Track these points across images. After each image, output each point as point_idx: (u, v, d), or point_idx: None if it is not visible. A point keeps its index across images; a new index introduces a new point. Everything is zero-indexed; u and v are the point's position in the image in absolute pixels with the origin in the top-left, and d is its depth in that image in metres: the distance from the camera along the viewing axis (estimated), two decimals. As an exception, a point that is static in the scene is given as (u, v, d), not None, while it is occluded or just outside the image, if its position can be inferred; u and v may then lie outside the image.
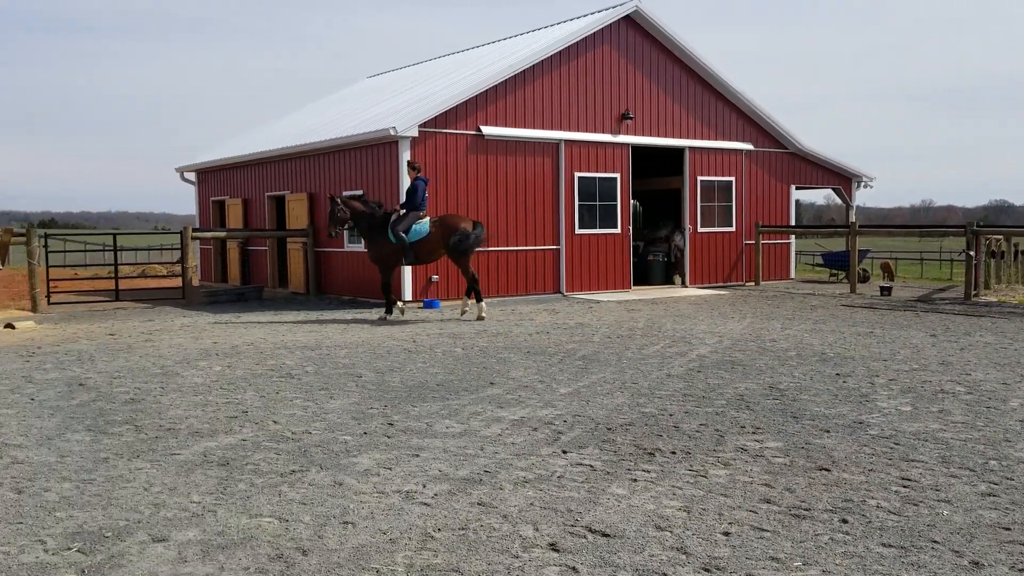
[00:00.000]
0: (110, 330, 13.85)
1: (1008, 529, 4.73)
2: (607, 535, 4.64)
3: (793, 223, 23.69)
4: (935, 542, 4.55)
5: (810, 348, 11.30)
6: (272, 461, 6.03)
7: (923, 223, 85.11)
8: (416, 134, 17.00)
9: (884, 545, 4.50)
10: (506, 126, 18.24)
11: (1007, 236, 20.44)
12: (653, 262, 21.41)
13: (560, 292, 19.02)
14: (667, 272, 21.48)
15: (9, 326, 14.35)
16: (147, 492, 5.35)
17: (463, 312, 15.39)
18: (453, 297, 17.63)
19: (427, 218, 15.10)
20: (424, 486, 5.46)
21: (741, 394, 8.32)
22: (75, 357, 10.90)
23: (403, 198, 15.16)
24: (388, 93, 22.60)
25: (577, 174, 19.15)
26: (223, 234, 20.75)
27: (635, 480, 5.60)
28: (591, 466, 5.92)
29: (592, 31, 19.24)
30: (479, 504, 5.13)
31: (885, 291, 19.57)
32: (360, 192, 15.47)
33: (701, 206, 21.34)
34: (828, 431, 6.87)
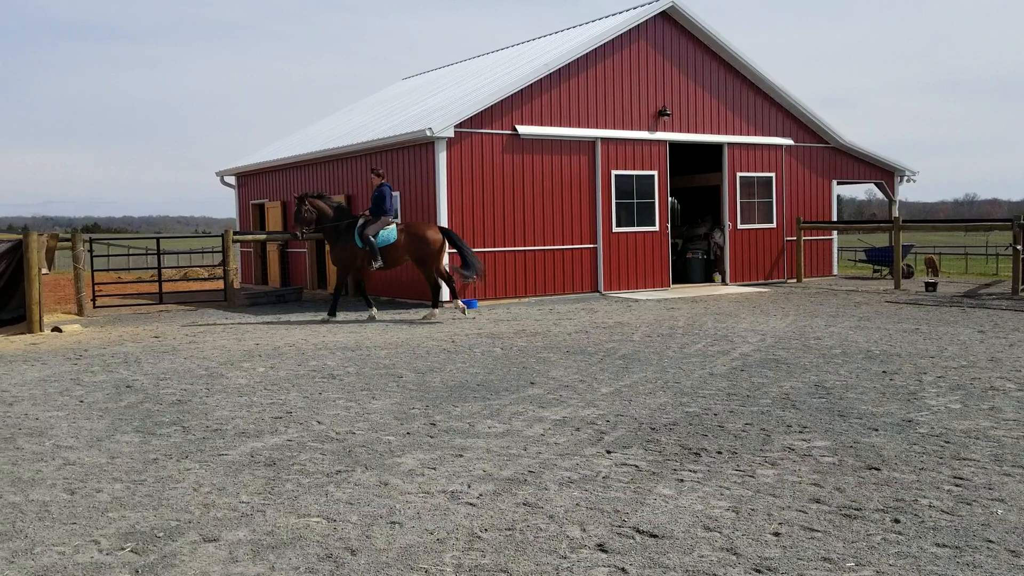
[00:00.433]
0: (155, 333, 14.07)
1: (1068, 530, 4.61)
2: (655, 536, 4.61)
3: (835, 219, 23.37)
4: (990, 541, 4.45)
5: (855, 345, 11.13)
6: (318, 461, 6.07)
7: (967, 217, 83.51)
8: (452, 134, 17.04)
9: (938, 545, 4.42)
10: (542, 125, 18.22)
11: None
12: (692, 260, 21.24)
13: (598, 291, 18.96)
14: (707, 270, 21.29)
15: (56, 329, 14.62)
16: (196, 492, 5.41)
17: (461, 312, 15.51)
18: (491, 296, 17.65)
19: (393, 224, 15.29)
20: (469, 486, 5.46)
21: (786, 393, 8.22)
22: (122, 359, 11.07)
23: (376, 204, 15.14)
24: (423, 94, 22.69)
25: (614, 172, 19.07)
26: (263, 237, 20.96)
27: (681, 480, 5.56)
28: (636, 466, 5.88)
29: (628, 28, 19.14)
30: (525, 504, 5.12)
31: (930, 287, 19.23)
32: (341, 197, 15.65)
33: (741, 202, 21.14)
34: (877, 429, 6.76)
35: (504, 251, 17.83)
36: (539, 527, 4.74)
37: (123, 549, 4.50)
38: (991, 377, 8.83)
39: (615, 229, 19.09)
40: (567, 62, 18.39)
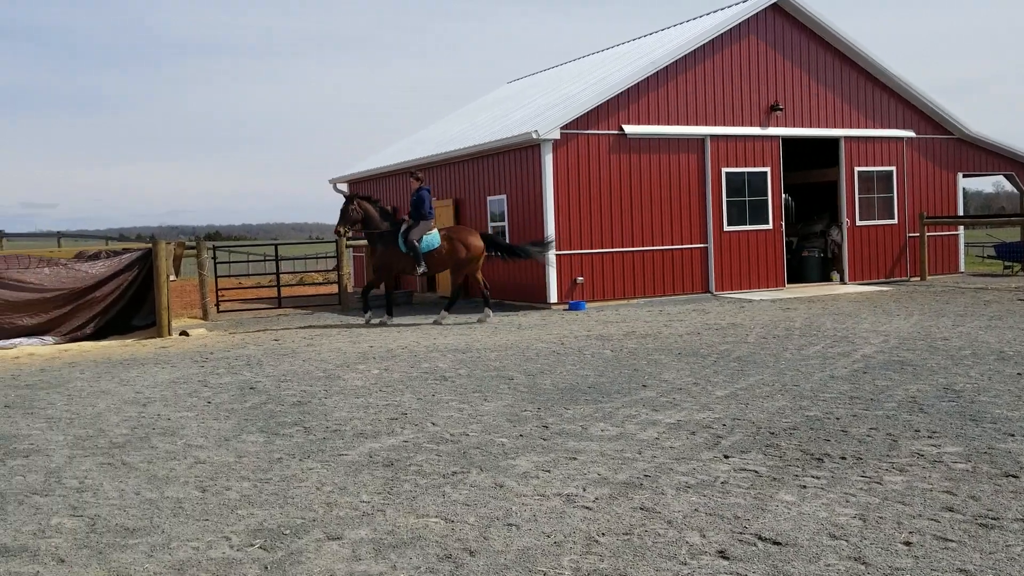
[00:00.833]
0: (275, 336, 14.59)
1: None
2: (778, 543, 4.47)
3: (960, 213, 22.23)
4: None
5: (986, 346, 10.55)
6: (434, 462, 6.16)
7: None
8: (558, 136, 17.04)
9: (1091, 561, 4.12)
10: (649, 124, 18.02)
11: None
12: (808, 258, 20.59)
13: (709, 292, 18.60)
14: (824, 268, 20.60)
15: (184, 333, 15.35)
16: (319, 491, 5.57)
17: (484, 319, 15.58)
18: (599, 298, 17.56)
19: (436, 229, 15.42)
20: (584, 489, 5.43)
21: (913, 396, 7.86)
22: (244, 362, 11.52)
23: (415, 207, 15.29)
24: (529, 97, 22.78)
25: (724, 170, 18.68)
26: (375, 241, 21.43)
27: (804, 487, 5.38)
28: (756, 471, 5.72)
29: (737, 22, 18.72)
30: (642, 509, 5.05)
31: (1068, 283, 18.06)
32: (377, 199, 15.83)
33: (859, 198, 20.36)
34: (1013, 435, 6.38)
35: (612, 252, 17.71)
36: (657, 532, 4.67)
37: (252, 545, 4.67)
38: None
39: (726, 228, 18.69)
40: (674, 59, 18.13)
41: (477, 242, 15.55)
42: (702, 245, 18.55)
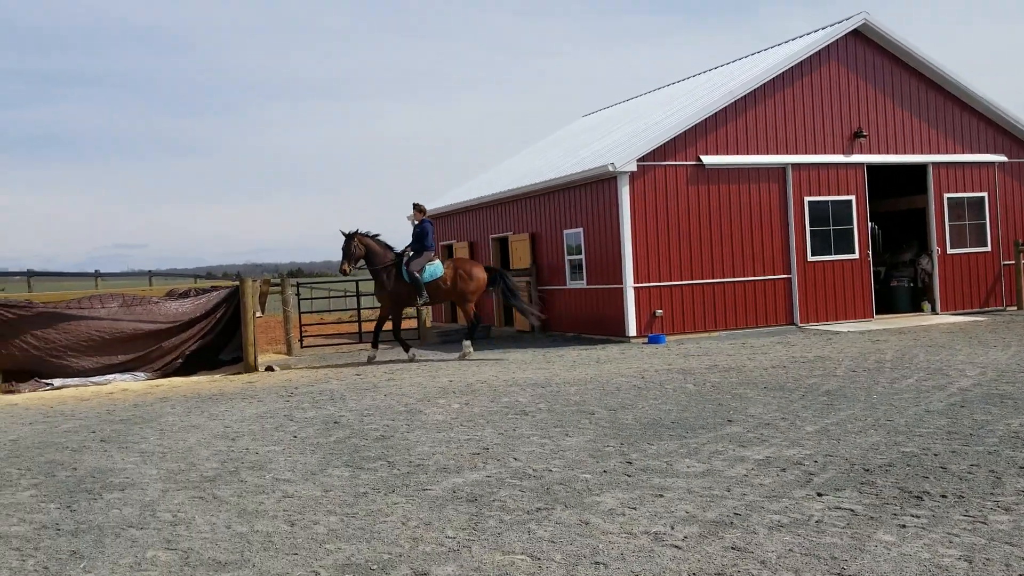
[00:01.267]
0: (356, 370, 14.78)
1: None
2: (880, 587, 4.28)
3: (1058, 239, 21.23)
4: None
5: (1095, 378, 10.01)
6: (517, 498, 6.11)
7: None
8: (635, 168, 16.99)
9: None
10: (728, 154, 17.82)
11: None
12: (897, 288, 19.95)
13: (794, 323, 18.16)
14: (914, 298, 19.93)
15: (269, 368, 15.69)
16: (405, 526, 5.57)
17: (464, 356, 15.72)
18: (679, 331, 17.32)
19: (438, 260, 15.66)
20: (672, 527, 5.31)
21: (1015, 431, 7.48)
22: (328, 396, 11.70)
23: (417, 239, 15.74)
24: (603, 130, 22.80)
25: (807, 198, 18.31)
26: (453, 276, 21.63)
27: (903, 526, 5.15)
28: (851, 510, 5.51)
29: (816, 49, 18.44)
30: (733, 548, 4.90)
31: None
32: (377, 234, 15.93)
33: (950, 225, 19.70)
34: None
35: (692, 284, 17.48)
36: (751, 573, 4.52)
37: (340, 580, 4.69)
38: None
39: (810, 258, 18.27)
40: (752, 88, 17.94)
41: (481, 273, 15.98)
42: (785, 276, 18.16)
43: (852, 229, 18.66)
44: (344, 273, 15.94)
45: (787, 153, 18.22)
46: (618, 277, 17.23)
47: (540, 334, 19.71)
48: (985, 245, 20.09)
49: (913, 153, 19.34)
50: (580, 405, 9.92)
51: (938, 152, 19.55)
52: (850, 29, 18.66)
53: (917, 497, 5.72)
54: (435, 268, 15.66)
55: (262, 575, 4.84)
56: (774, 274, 18.09)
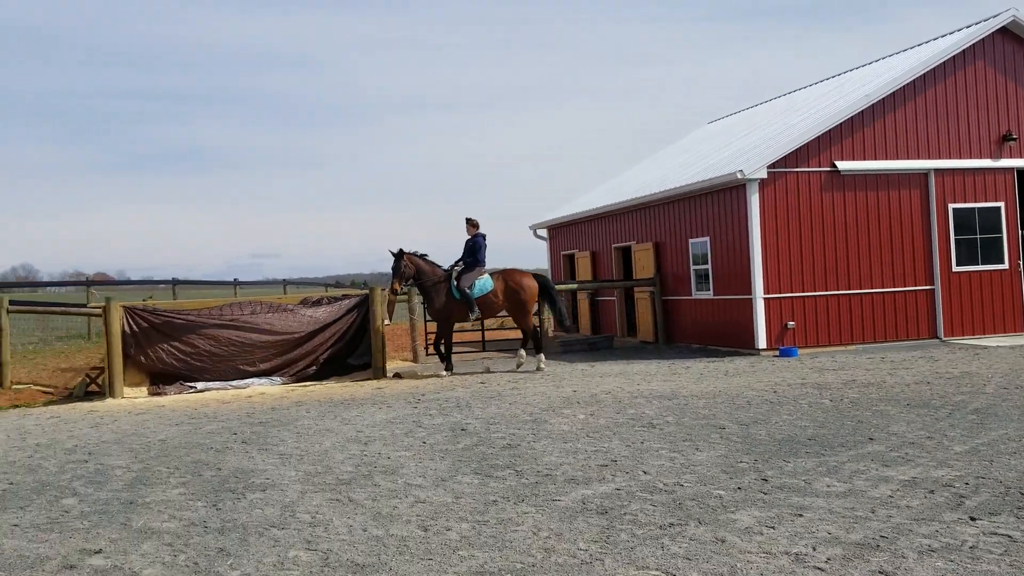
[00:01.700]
0: (480, 378, 14.94)
1: None
2: (1049, 622, 3.97)
3: None
4: None
5: None
6: (649, 512, 6.01)
7: None
8: (765, 175, 16.54)
9: None
10: (864, 159, 17.11)
11: None
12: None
13: (937, 337, 17.24)
14: (1070, 312, 18.55)
15: (397, 376, 16.06)
16: (536, 536, 5.57)
17: (518, 365, 15.63)
18: (812, 344, 16.72)
19: (487, 274, 15.37)
20: (814, 548, 5.09)
21: None
22: (454, 404, 11.86)
23: (469, 253, 15.63)
24: (731, 136, 22.31)
25: (951, 205, 17.37)
26: (574, 286, 21.63)
27: (1073, 558, 4.77)
28: (1009, 536, 5.15)
29: (960, 49, 17.50)
30: (880, 573, 4.66)
31: None
32: (424, 253, 15.66)
33: (1113, 232, 18.27)
34: None
35: (825, 295, 16.85)
36: (901, 601, 4.29)
37: (474, 588, 4.72)
38: None
39: (955, 268, 17.31)
40: (891, 91, 17.18)
41: (531, 282, 15.82)
42: (928, 287, 17.27)
43: (1001, 238, 17.57)
44: (395, 292, 15.94)
45: (929, 158, 17.35)
46: (747, 287, 16.79)
47: (663, 345, 19.42)
48: None
49: (1070, 156, 18.06)
50: (709, 419, 9.69)
51: (1099, 154, 18.18)
52: (997, 27, 17.61)
53: (1086, 527, 5.30)
54: (484, 282, 15.61)
55: (398, 579, 4.92)
56: (915, 285, 17.22)
